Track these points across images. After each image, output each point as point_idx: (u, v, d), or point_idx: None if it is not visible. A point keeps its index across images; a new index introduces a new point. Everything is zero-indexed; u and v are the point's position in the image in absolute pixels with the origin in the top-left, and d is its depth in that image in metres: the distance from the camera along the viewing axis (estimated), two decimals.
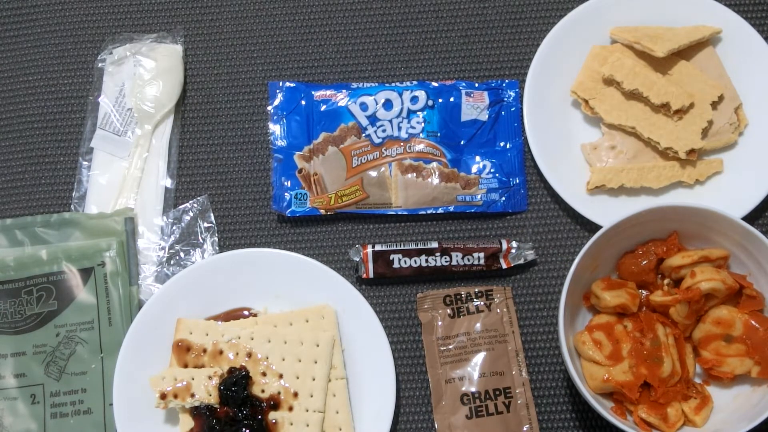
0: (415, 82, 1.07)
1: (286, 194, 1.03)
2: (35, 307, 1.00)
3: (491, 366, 0.97)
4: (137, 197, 1.05)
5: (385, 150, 1.04)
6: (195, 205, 1.05)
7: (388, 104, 1.05)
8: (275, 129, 1.06)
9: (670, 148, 1.01)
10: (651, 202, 1.02)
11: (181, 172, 1.07)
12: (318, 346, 0.95)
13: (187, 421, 0.94)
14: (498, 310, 0.99)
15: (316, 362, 0.95)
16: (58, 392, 0.98)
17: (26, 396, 0.98)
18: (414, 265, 1.00)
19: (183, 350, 0.95)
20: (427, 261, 1.00)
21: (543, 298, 1.01)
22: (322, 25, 1.11)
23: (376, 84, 1.07)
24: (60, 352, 0.99)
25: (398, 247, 1.01)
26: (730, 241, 0.93)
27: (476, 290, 1.00)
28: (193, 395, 0.93)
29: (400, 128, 1.05)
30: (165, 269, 1.02)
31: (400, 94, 1.06)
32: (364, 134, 1.05)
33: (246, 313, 0.98)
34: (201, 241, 1.03)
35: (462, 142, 1.05)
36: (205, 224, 1.04)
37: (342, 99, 1.06)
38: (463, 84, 1.07)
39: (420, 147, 1.04)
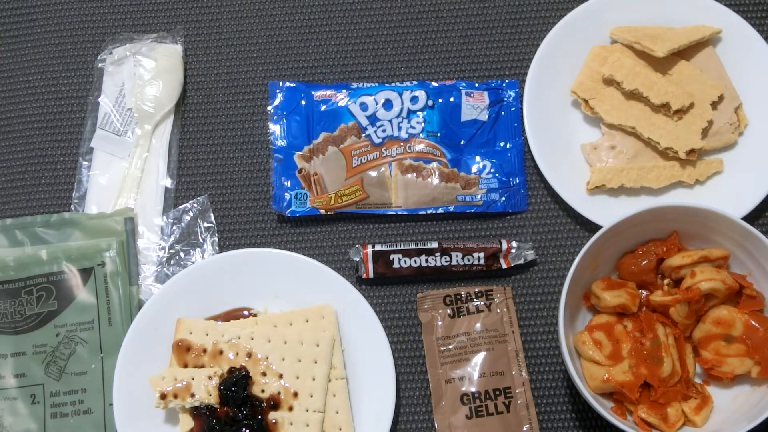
0: (415, 82, 1.07)
1: (286, 194, 1.03)
2: (35, 307, 1.00)
3: (491, 366, 0.97)
4: (137, 197, 1.05)
5: (385, 150, 1.04)
6: (195, 205, 1.05)
7: (388, 104, 1.05)
8: (275, 129, 1.06)
9: (670, 148, 1.01)
10: (651, 202, 1.02)
11: (181, 172, 1.06)
12: (318, 346, 0.95)
13: (187, 421, 0.94)
14: (498, 310, 0.99)
15: (316, 362, 0.95)
16: (58, 392, 0.98)
17: (26, 396, 0.98)
18: (414, 265, 1.00)
19: (183, 350, 0.95)
20: (427, 261, 1.00)
21: (543, 298, 1.01)
22: (322, 25, 1.11)
23: (376, 84, 1.07)
24: (60, 352, 0.99)
25: (398, 247, 1.01)
26: (730, 241, 0.93)
27: (476, 290, 1.00)
28: (193, 395, 0.93)
29: (400, 128, 1.05)
30: (165, 269, 1.02)
31: (400, 94, 1.06)
32: (364, 134, 1.05)
33: (246, 313, 0.98)
34: (201, 241, 1.03)
35: (462, 142, 1.05)
36: (205, 224, 1.04)
37: (342, 99, 1.06)
38: (463, 84, 1.07)
39: (420, 147, 1.04)
